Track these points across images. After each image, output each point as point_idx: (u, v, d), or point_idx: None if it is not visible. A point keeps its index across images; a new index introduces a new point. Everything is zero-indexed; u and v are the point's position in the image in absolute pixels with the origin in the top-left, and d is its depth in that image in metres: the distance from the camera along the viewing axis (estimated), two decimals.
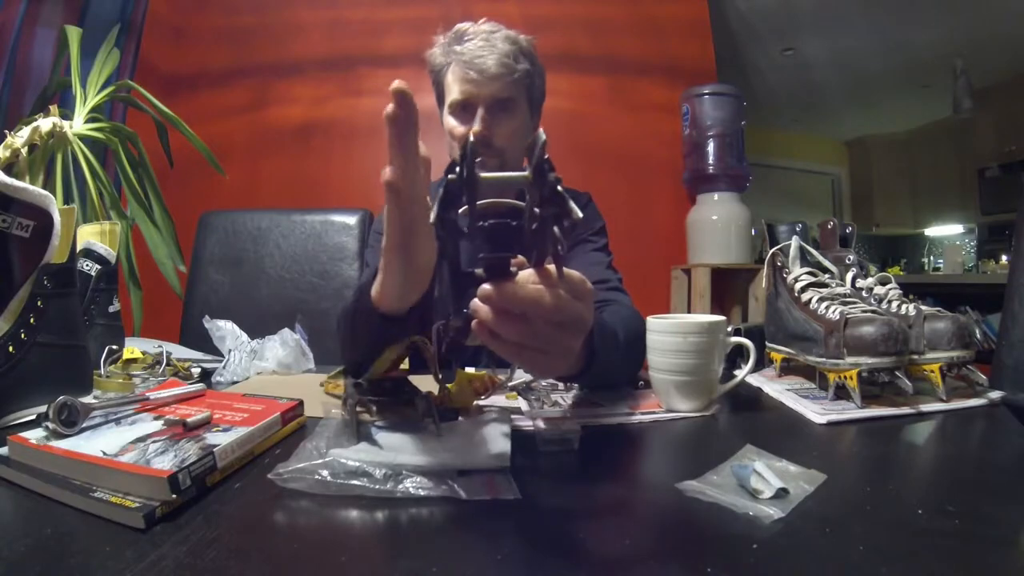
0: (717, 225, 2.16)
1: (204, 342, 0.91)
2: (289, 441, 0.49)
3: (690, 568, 0.29)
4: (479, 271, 0.33)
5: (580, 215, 0.30)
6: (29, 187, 0.53)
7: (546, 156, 0.31)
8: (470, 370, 0.66)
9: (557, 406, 0.59)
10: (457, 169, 0.31)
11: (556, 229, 0.32)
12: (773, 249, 0.75)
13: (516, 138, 0.87)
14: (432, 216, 0.31)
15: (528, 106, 0.90)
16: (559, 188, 0.31)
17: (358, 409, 0.50)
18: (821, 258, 0.72)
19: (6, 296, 0.53)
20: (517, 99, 0.86)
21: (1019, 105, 3.70)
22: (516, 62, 0.83)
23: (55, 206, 0.55)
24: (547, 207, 0.31)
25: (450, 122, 0.87)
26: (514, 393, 0.63)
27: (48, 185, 0.88)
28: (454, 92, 0.85)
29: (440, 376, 0.51)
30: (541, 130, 0.31)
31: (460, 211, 0.32)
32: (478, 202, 0.32)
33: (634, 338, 0.63)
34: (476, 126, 0.83)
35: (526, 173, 0.32)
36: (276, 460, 0.41)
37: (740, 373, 0.61)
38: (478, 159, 0.32)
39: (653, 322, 0.59)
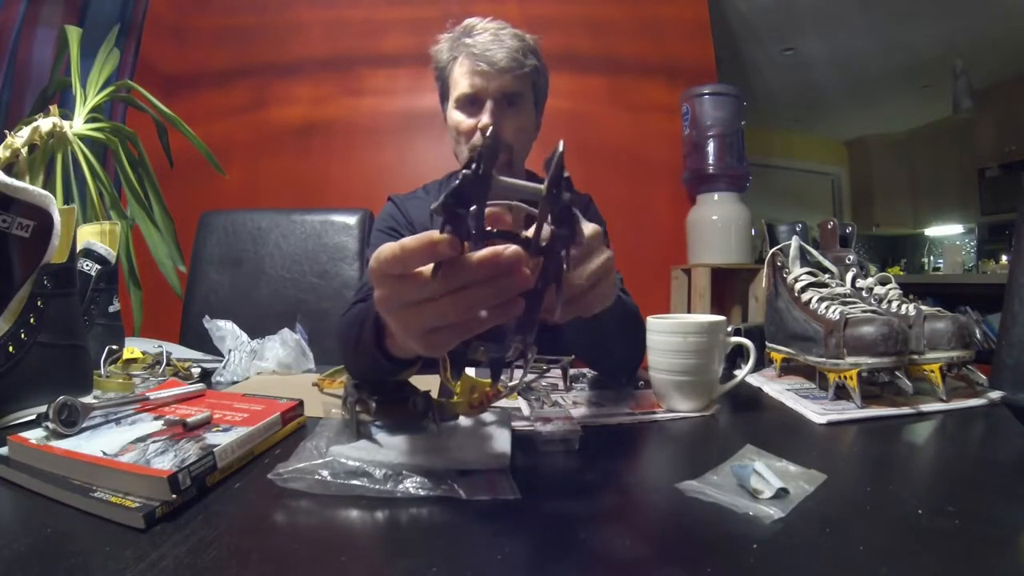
0: (717, 225, 2.16)
1: (204, 342, 0.91)
2: (289, 441, 0.49)
3: (690, 568, 0.29)
4: None
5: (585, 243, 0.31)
6: (29, 187, 0.53)
7: (566, 174, 0.30)
8: (470, 371, 0.66)
9: (557, 406, 0.59)
10: (474, 165, 0.29)
11: (563, 253, 0.31)
12: (773, 249, 0.75)
13: (523, 134, 0.87)
14: (435, 204, 0.29)
15: (534, 104, 0.90)
16: (574, 211, 0.30)
17: (358, 409, 0.50)
18: (821, 258, 0.72)
19: (6, 296, 0.53)
20: (524, 95, 0.87)
21: (1019, 105, 3.70)
22: (524, 57, 0.84)
23: (55, 206, 0.55)
24: (560, 225, 0.30)
25: (456, 116, 0.86)
26: (514, 393, 0.63)
27: (48, 185, 0.88)
28: (462, 85, 0.85)
29: (449, 376, 0.51)
30: (561, 142, 0.30)
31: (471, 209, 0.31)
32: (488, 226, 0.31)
33: (634, 322, 0.63)
34: (484, 119, 0.83)
35: (541, 186, 0.31)
36: (276, 460, 0.41)
37: (740, 373, 0.61)
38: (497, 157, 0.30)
39: (653, 322, 0.59)
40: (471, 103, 0.85)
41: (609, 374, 0.69)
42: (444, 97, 0.91)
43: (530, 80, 0.87)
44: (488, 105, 0.83)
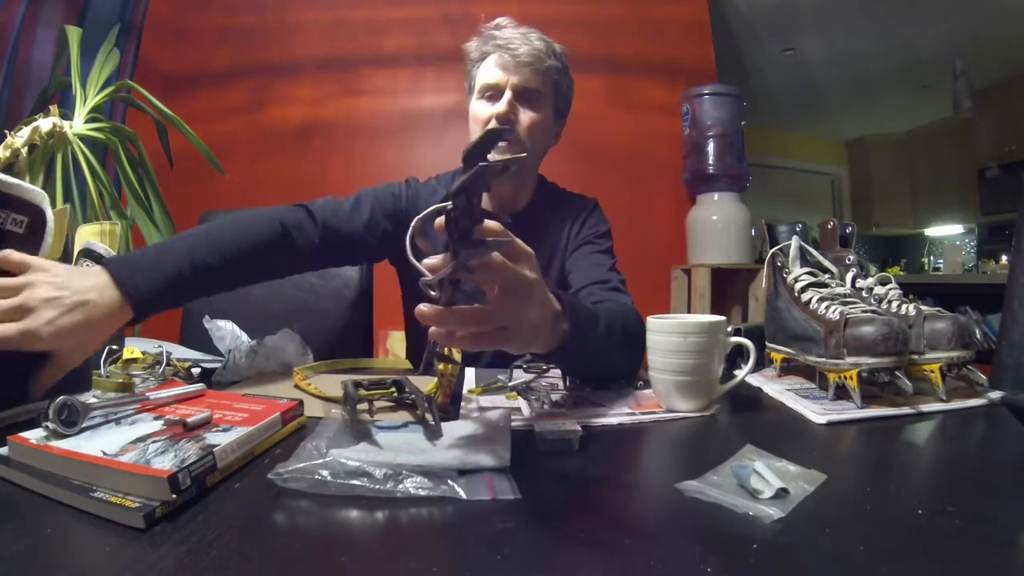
0: (717, 225, 2.16)
1: (204, 342, 0.91)
2: (289, 441, 0.49)
3: (690, 568, 0.29)
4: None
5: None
6: (23, 184, 0.53)
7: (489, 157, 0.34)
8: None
9: (557, 406, 0.59)
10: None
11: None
12: (773, 249, 0.75)
13: (537, 134, 0.88)
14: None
15: (553, 107, 0.91)
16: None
17: (358, 409, 0.50)
18: (821, 258, 0.72)
19: None
20: (544, 94, 0.89)
21: (1019, 105, 3.70)
22: (548, 57, 0.87)
23: (47, 203, 0.56)
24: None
25: (476, 107, 0.89)
26: (514, 393, 0.63)
27: (48, 185, 0.88)
28: (486, 77, 0.88)
29: (421, 369, 0.52)
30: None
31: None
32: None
33: (623, 329, 0.63)
34: (501, 107, 0.85)
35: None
36: (276, 460, 0.41)
37: (740, 373, 0.61)
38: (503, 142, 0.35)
39: (653, 322, 0.59)
40: (492, 94, 0.88)
41: (606, 386, 0.69)
42: (470, 92, 0.93)
43: (551, 81, 0.89)
44: (506, 95, 0.85)
